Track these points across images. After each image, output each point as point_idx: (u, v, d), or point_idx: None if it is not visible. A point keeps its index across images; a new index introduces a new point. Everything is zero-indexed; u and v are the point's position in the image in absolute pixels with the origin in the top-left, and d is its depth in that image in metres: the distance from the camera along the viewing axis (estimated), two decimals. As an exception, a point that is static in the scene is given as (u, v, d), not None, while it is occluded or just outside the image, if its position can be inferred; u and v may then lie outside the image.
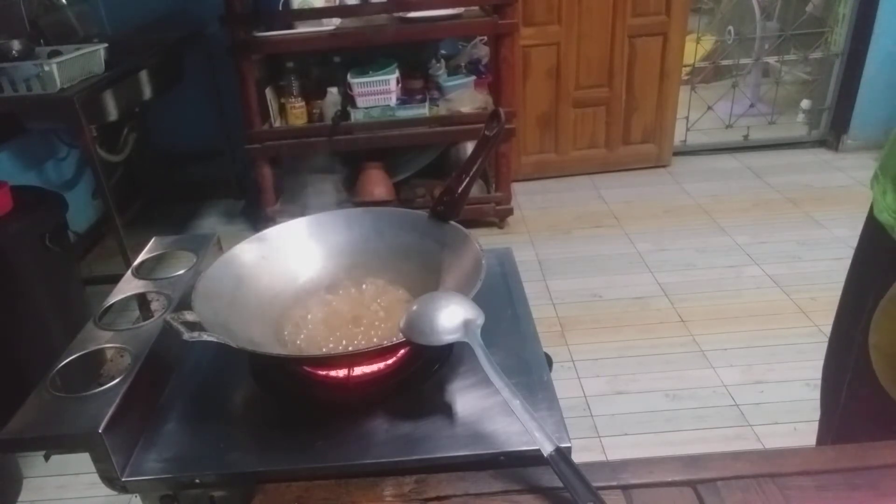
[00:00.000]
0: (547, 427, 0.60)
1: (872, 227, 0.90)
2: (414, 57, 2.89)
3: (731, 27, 3.92)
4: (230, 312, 0.77)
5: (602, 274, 2.56)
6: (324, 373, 0.76)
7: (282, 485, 0.65)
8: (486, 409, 0.71)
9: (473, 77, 2.88)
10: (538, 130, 3.32)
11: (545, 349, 0.81)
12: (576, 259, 2.68)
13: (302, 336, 0.79)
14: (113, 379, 0.70)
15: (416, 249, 0.87)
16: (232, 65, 2.62)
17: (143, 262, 0.96)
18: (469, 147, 2.62)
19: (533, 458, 0.61)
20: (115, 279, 0.91)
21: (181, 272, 0.91)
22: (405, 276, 0.87)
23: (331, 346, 0.77)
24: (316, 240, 0.91)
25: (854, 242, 0.98)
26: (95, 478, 0.67)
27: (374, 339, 0.77)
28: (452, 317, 0.67)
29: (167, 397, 0.78)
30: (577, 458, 0.59)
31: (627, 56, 3.20)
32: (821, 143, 3.61)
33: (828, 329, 1.07)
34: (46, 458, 0.72)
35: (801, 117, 3.75)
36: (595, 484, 0.56)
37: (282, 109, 2.82)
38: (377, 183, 2.86)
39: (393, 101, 2.71)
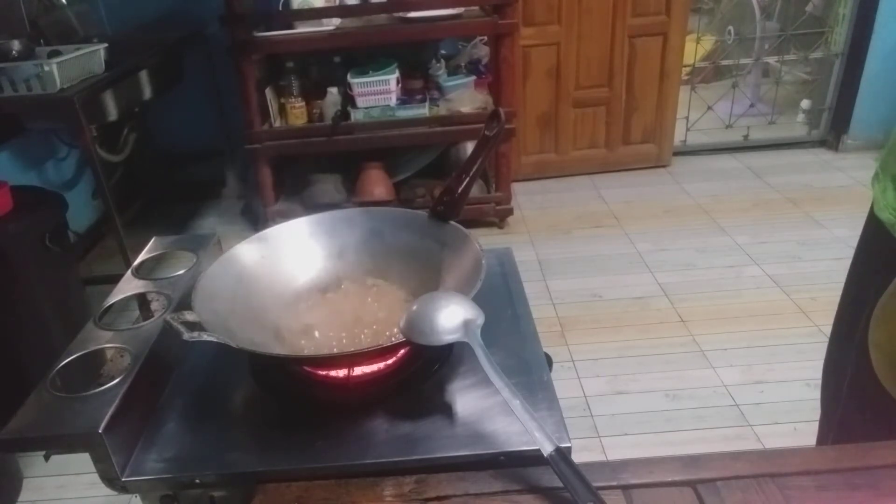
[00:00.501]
0: (547, 427, 0.60)
1: (873, 226, 0.90)
2: (414, 57, 2.89)
3: (731, 27, 3.92)
4: (230, 312, 0.77)
5: (602, 274, 2.56)
6: (324, 373, 0.76)
7: (282, 485, 0.65)
8: (486, 409, 0.71)
9: (473, 77, 2.88)
10: (538, 130, 3.32)
11: (545, 349, 0.81)
12: (576, 259, 2.68)
13: (302, 336, 0.79)
14: (113, 379, 0.70)
15: (416, 249, 0.87)
16: (232, 65, 2.62)
17: (143, 262, 0.96)
18: (469, 147, 2.62)
19: (533, 458, 0.61)
20: (115, 279, 0.91)
21: (181, 272, 0.91)
22: (405, 276, 0.87)
23: (331, 345, 0.77)
24: (316, 240, 0.91)
25: (854, 242, 0.99)
26: (95, 478, 0.67)
27: (374, 339, 0.77)
28: (452, 317, 0.67)
29: (167, 397, 0.78)
30: (577, 458, 0.59)
31: (627, 56, 3.20)
32: (821, 143, 3.61)
33: (828, 329, 1.07)
34: (46, 458, 0.72)
35: (801, 117, 3.75)
36: (595, 484, 0.56)
37: (282, 109, 2.82)
38: (377, 183, 2.86)
39: (393, 101, 2.71)
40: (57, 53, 2.11)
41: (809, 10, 3.63)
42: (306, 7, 2.61)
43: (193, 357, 0.84)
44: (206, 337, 0.66)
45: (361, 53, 2.83)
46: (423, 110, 2.74)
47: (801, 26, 3.59)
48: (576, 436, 0.66)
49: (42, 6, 2.48)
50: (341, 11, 2.66)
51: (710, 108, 3.62)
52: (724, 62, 3.92)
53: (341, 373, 0.74)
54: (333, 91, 2.74)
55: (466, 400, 0.73)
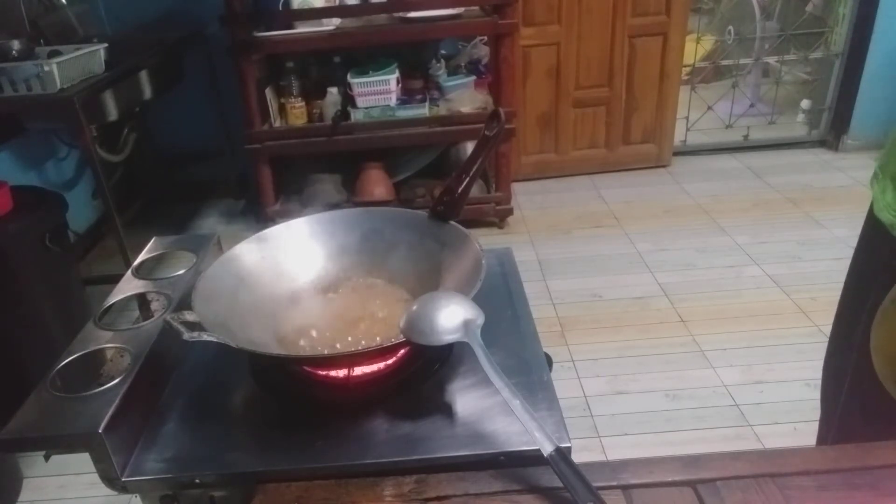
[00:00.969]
0: (547, 427, 0.60)
1: (872, 226, 0.90)
2: (414, 57, 2.89)
3: (731, 27, 3.92)
4: (230, 312, 0.77)
5: (602, 274, 2.56)
6: (324, 373, 0.76)
7: (282, 485, 0.65)
8: (486, 409, 0.71)
9: (473, 77, 2.88)
10: (538, 130, 3.32)
11: (545, 349, 0.81)
12: (576, 259, 2.68)
13: (302, 336, 0.79)
14: (113, 379, 0.70)
15: (416, 249, 0.87)
16: (232, 65, 2.62)
17: (143, 262, 0.96)
18: (469, 147, 2.62)
19: (533, 458, 0.61)
20: (115, 279, 0.91)
21: (181, 272, 0.91)
22: (405, 276, 0.87)
23: (331, 345, 0.77)
24: (316, 240, 0.91)
25: (854, 242, 0.98)
26: (95, 478, 0.67)
27: (375, 339, 0.77)
28: (452, 317, 0.67)
29: (167, 397, 0.78)
30: (577, 458, 0.59)
31: (627, 56, 3.20)
32: (821, 143, 3.61)
33: (828, 329, 1.07)
34: (46, 458, 0.72)
35: (801, 117, 3.75)
36: (595, 484, 0.56)
37: (282, 109, 2.82)
38: (377, 183, 2.86)
39: (393, 101, 2.71)
40: (57, 53, 2.11)
41: (809, 10, 3.63)
42: (306, 7, 2.61)
43: (193, 357, 0.84)
44: (206, 337, 0.66)
45: (361, 53, 2.83)
46: (423, 110, 2.74)
47: (801, 26, 3.59)
48: (576, 436, 0.66)
49: (42, 6, 2.48)
50: (341, 11, 2.66)
51: (710, 108, 3.62)
52: (724, 62, 3.92)
53: (341, 373, 0.74)
54: (333, 91, 2.74)
55: (466, 400, 0.73)
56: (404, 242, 0.88)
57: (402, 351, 0.75)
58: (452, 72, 2.91)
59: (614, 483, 0.61)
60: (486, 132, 0.81)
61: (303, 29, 2.62)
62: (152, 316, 0.82)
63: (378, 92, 2.69)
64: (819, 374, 1.11)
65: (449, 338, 0.66)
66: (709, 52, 3.93)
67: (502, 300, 0.91)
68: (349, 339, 0.78)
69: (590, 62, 3.20)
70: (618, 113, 3.32)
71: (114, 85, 2.21)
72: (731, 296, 2.37)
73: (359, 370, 0.74)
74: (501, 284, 0.95)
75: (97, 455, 0.65)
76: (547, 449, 0.58)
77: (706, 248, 2.69)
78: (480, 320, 0.67)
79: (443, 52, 3.04)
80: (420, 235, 0.87)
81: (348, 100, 2.72)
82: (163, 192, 3.32)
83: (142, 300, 0.87)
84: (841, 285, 1.02)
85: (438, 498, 0.61)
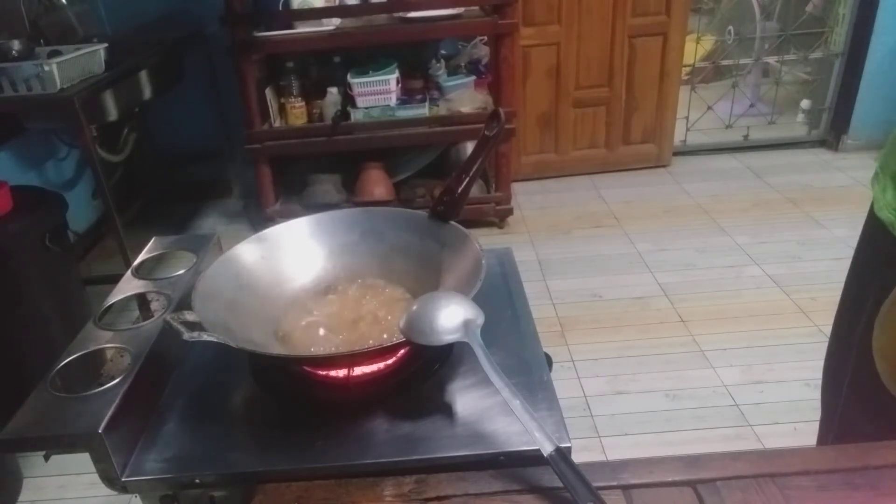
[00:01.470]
0: (547, 427, 0.60)
1: (873, 225, 0.90)
2: (414, 57, 2.89)
3: (731, 27, 3.92)
4: (230, 312, 0.77)
5: (602, 274, 2.56)
6: (324, 373, 0.76)
7: (282, 485, 0.64)
8: (486, 409, 0.71)
9: (473, 77, 2.88)
10: (538, 130, 3.32)
11: (545, 349, 0.81)
12: (576, 259, 2.68)
13: (302, 336, 0.79)
14: (113, 379, 0.70)
15: (416, 249, 0.87)
16: (232, 65, 2.63)
17: (143, 262, 0.96)
18: (469, 147, 2.62)
19: (533, 458, 0.61)
20: (115, 279, 0.91)
21: (181, 272, 0.91)
22: (405, 276, 0.87)
23: (331, 346, 0.77)
24: (316, 240, 0.91)
25: (854, 242, 0.98)
26: (95, 478, 0.67)
27: (374, 339, 0.77)
28: (452, 317, 0.67)
29: (167, 397, 0.78)
30: (577, 458, 0.59)
31: (627, 56, 3.20)
32: (821, 143, 3.61)
33: (828, 329, 1.07)
34: (46, 458, 0.72)
35: (801, 117, 3.75)
36: (595, 484, 0.56)
37: (282, 109, 2.82)
38: (377, 183, 2.86)
39: (393, 101, 2.71)
40: (57, 53, 2.11)
41: (809, 10, 3.63)
42: (306, 7, 2.61)
43: (193, 357, 0.84)
44: (206, 337, 0.66)
45: (361, 53, 2.83)
46: (423, 110, 2.74)
47: (801, 26, 3.59)
48: (576, 436, 0.66)
49: (42, 6, 2.48)
50: (341, 11, 2.66)
51: (710, 108, 3.62)
52: (724, 62, 3.92)
53: (341, 373, 0.74)
54: (333, 91, 2.74)
55: (466, 400, 0.73)
56: (404, 242, 0.88)
57: (402, 351, 0.75)
58: (452, 72, 2.91)
59: (614, 483, 0.61)
60: (486, 132, 0.81)
61: (303, 29, 2.62)
62: (152, 316, 0.82)
63: (378, 92, 2.69)
64: (819, 374, 1.11)
65: (449, 338, 0.66)
66: (709, 52, 3.93)
67: (502, 300, 0.91)
68: (349, 339, 0.78)
69: (590, 62, 3.20)
70: (618, 113, 3.32)
71: (114, 85, 2.21)
72: (731, 296, 2.37)
73: (359, 370, 0.74)
74: (501, 284, 0.95)
75: (97, 455, 0.65)
76: (547, 449, 0.58)
77: (706, 248, 2.69)
78: (480, 320, 0.67)
79: (443, 52, 3.04)
80: (420, 235, 0.87)
81: (348, 100, 2.72)
82: (163, 192, 3.32)
83: (142, 300, 0.87)
84: (841, 285, 1.02)
85: (438, 498, 0.61)
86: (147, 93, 2.48)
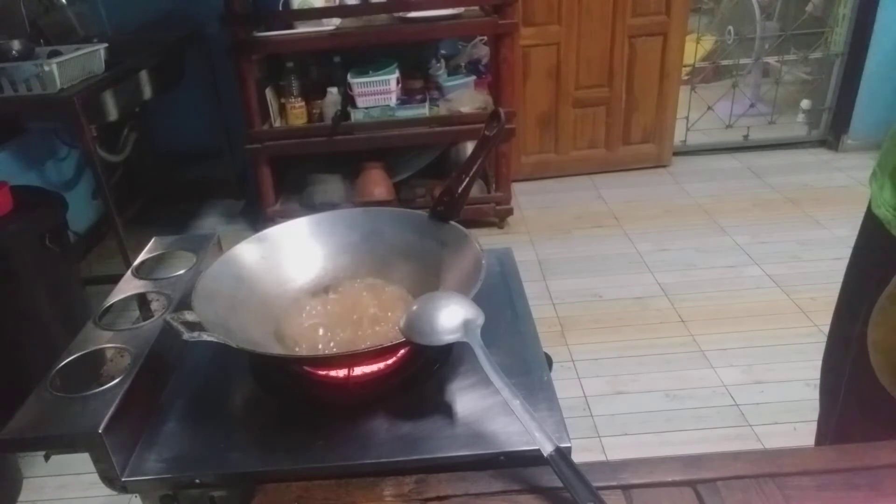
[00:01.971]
0: (547, 427, 0.60)
1: (870, 223, 0.90)
2: (414, 57, 2.89)
3: (731, 27, 3.92)
4: (230, 312, 0.77)
5: (602, 274, 2.56)
6: (324, 373, 0.76)
7: (282, 485, 0.65)
8: (486, 409, 0.71)
9: (473, 77, 2.88)
10: (538, 130, 3.32)
11: (545, 349, 0.81)
12: (576, 259, 2.68)
13: (302, 336, 0.79)
14: (113, 379, 0.70)
15: (416, 249, 0.87)
16: (232, 65, 2.62)
17: (143, 262, 0.96)
18: (469, 147, 2.62)
19: (533, 458, 0.61)
20: (115, 279, 0.91)
21: (181, 272, 0.91)
22: (405, 276, 0.87)
23: (331, 346, 0.77)
24: (316, 240, 0.91)
25: (854, 242, 0.98)
26: (95, 478, 0.67)
27: (374, 340, 0.77)
28: (452, 317, 0.67)
29: (167, 397, 0.78)
30: (577, 458, 0.59)
31: (627, 56, 3.20)
32: (821, 143, 3.61)
33: (828, 329, 1.07)
34: (46, 458, 0.72)
35: (801, 117, 3.75)
36: (595, 484, 0.56)
37: (282, 109, 2.82)
38: (377, 183, 2.86)
39: (393, 101, 2.71)
40: (57, 53, 2.11)
41: (809, 10, 3.63)
42: (306, 7, 2.61)
43: (193, 357, 0.84)
44: (206, 337, 0.66)
45: (361, 53, 2.83)
46: (423, 110, 2.74)
47: (801, 26, 3.59)
48: (576, 436, 0.66)
49: (42, 6, 2.48)
50: (341, 11, 2.66)
51: (710, 108, 3.62)
52: (724, 62, 3.92)
53: (341, 373, 0.74)
54: (333, 91, 2.74)
55: (466, 400, 0.73)
56: (404, 242, 0.88)
57: (402, 351, 0.75)
58: (452, 72, 2.91)
59: (614, 483, 0.61)
60: (486, 132, 0.81)
61: (303, 29, 2.62)
62: (152, 316, 0.82)
63: (378, 92, 2.69)
64: (819, 374, 1.11)
65: (449, 338, 0.66)
66: (709, 52, 3.93)
67: (502, 300, 0.91)
68: (349, 338, 0.78)
69: (590, 62, 3.20)
70: (618, 113, 3.32)
71: (114, 85, 2.21)
72: (731, 296, 2.37)
73: (359, 370, 0.74)
74: (501, 284, 0.95)
75: (97, 455, 0.65)
76: (547, 449, 0.58)
77: (706, 248, 2.69)
78: (480, 320, 0.67)
79: (443, 52, 3.04)
80: (420, 235, 0.87)
81: (348, 100, 2.72)
82: (163, 192, 3.32)
83: (142, 300, 0.87)
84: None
85: (438, 498, 0.61)
86: (147, 93, 2.48)
